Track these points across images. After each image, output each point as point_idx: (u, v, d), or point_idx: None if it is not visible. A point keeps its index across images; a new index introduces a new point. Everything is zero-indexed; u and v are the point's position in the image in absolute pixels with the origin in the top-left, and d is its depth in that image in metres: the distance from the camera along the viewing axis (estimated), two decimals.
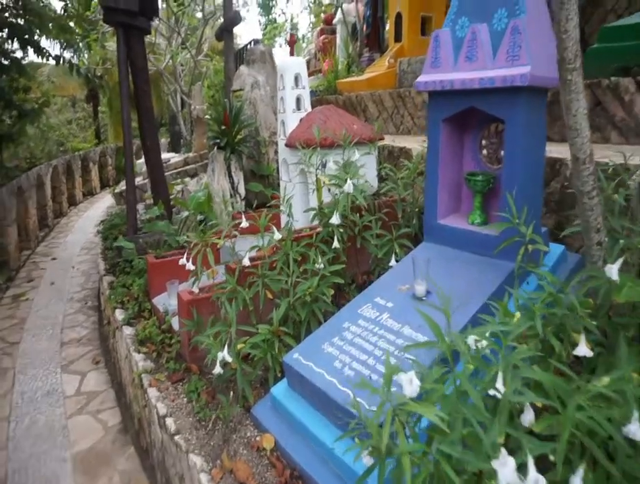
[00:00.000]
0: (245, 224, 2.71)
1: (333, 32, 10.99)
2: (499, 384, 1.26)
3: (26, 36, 6.27)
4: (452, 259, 2.54)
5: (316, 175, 2.90)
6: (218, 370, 2.14)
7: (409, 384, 1.22)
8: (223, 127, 3.96)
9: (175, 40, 10.63)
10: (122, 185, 10.03)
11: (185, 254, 2.67)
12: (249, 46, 6.82)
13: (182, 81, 11.15)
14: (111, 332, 3.86)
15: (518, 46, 2.24)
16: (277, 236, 2.64)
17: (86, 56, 11.76)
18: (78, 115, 17.18)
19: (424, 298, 2.28)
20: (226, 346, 2.13)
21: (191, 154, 9.24)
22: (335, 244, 2.79)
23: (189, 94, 10.75)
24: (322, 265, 2.63)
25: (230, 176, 4.04)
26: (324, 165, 3.46)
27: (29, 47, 6.42)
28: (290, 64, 3.68)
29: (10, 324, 4.79)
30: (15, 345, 4.31)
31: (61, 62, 6.70)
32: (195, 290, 2.76)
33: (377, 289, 2.51)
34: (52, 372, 3.83)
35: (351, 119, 3.76)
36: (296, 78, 3.70)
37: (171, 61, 10.74)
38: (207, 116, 4.58)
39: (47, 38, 7.56)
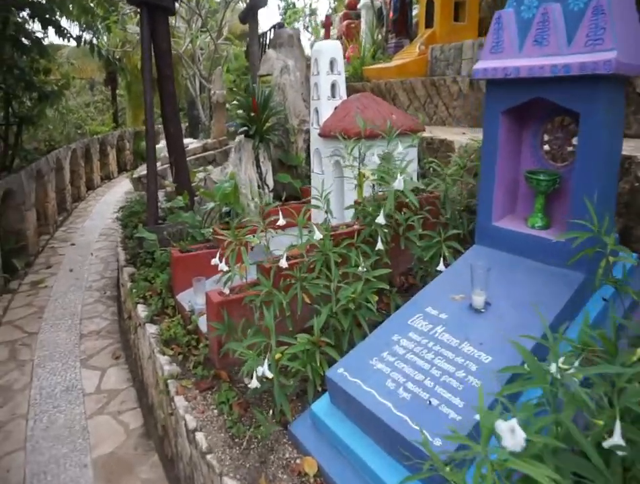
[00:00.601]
0: (282, 221, 2.50)
1: (358, 17, 10.61)
2: (617, 437, 1.04)
3: (47, 16, 6.07)
4: (511, 266, 2.30)
5: (359, 169, 2.67)
6: (254, 384, 1.95)
7: (511, 435, 1.01)
8: (252, 114, 3.74)
9: (195, 23, 10.36)
10: (141, 170, 9.89)
11: (218, 254, 2.46)
12: (270, 31, 6.54)
13: (201, 65, 10.91)
14: (132, 327, 3.71)
15: (601, 29, 1.97)
16: (318, 235, 2.43)
17: (105, 38, 11.56)
18: (97, 98, 17.05)
19: (482, 310, 2.05)
20: (266, 361, 1.93)
21: (210, 140, 9.03)
22: (379, 246, 2.56)
23: (208, 78, 10.52)
24: (365, 269, 2.41)
25: (258, 166, 3.82)
26: (363, 158, 3.22)
27: (49, 27, 6.23)
28: (325, 48, 3.43)
29: (28, 312, 4.67)
30: (33, 336, 4.19)
31: (82, 43, 6.50)
32: (226, 290, 2.57)
33: (427, 297, 2.29)
34: (71, 367, 3.70)
35: (389, 109, 3.50)
36: (332, 63, 3.45)
37: (190, 45, 10.49)
38: (234, 102, 4.35)
39: (67, 19, 7.36)
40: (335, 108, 3.48)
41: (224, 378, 2.45)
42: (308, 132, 4.41)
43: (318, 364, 2.09)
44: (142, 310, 3.33)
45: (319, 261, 2.49)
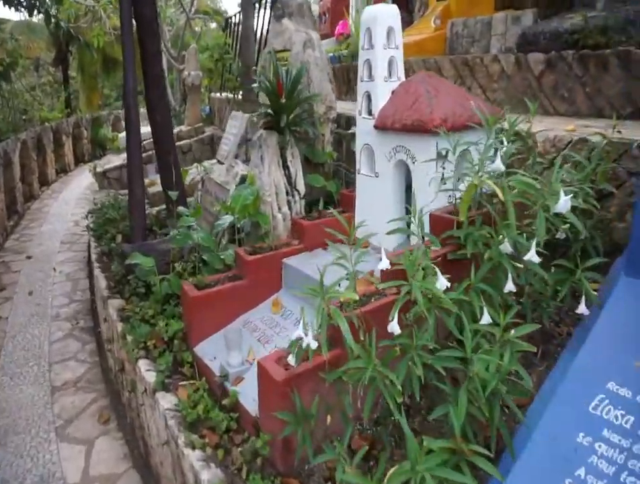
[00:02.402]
0: (385, 264, 1.68)
1: None
2: None
3: None
4: None
5: (475, 177, 1.87)
6: None
7: None
8: (277, 100, 2.84)
9: None
10: (105, 163, 8.67)
11: (302, 322, 1.62)
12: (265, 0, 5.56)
13: (168, 43, 9.69)
14: (128, 383, 2.80)
15: None
16: (442, 284, 1.62)
17: (53, 11, 10.06)
18: (43, 80, 15.23)
19: None
20: None
21: (184, 128, 7.96)
22: (510, 286, 1.80)
23: (177, 58, 9.34)
24: (489, 321, 1.65)
25: (285, 166, 2.96)
26: (444, 157, 2.44)
27: None
28: (380, 14, 2.58)
29: None
30: None
31: (35, 12, 5.29)
32: (293, 362, 1.73)
33: (594, 363, 1.59)
34: (43, 441, 2.76)
35: (462, 93, 2.72)
36: (389, 34, 2.62)
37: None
38: (255, 85, 3.43)
39: None
40: (393, 92, 2.66)
41: None
42: (335, 121, 3.57)
43: None
44: (146, 369, 2.44)
45: (430, 314, 1.69)
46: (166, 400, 2.22)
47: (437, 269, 1.65)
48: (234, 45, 6.91)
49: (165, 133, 3.60)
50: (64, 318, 4.19)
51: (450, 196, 2.57)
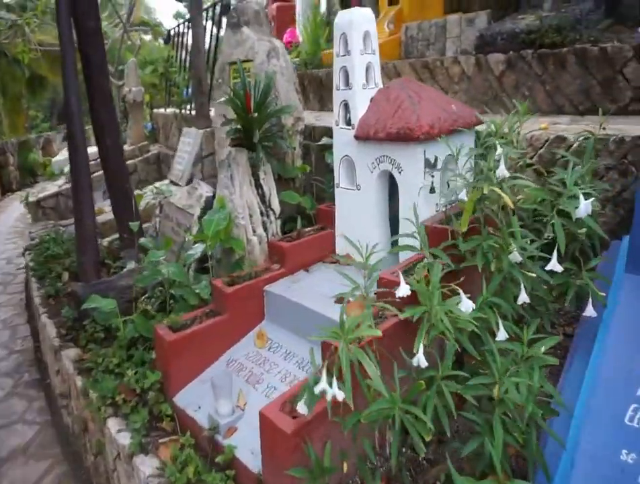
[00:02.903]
0: (405, 290, 1.48)
1: None
2: None
3: None
4: None
5: (485, 185, 1.71)
6: None
7: None
8: (246, 114, 2.59)
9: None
10: (39, 191, 7.94)
11: (324, 372, 1.37)
12: (215, 8, 5.26)
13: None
14: (94, 445, 2.41)
15: None
16: (467, 307, 1.44)
17: None
18: None
19: None
20: None
21: (127, 147, 7.45)
22: (524, 297, 1.67)
23: (114, 73, 8.80)
24: (506, 337, 1.50)
25: (257, 185, 2.70)
26: (431, 164, 2.29)
27: None
28: (356, 18, 2.42)
29: None
30: None
31: None
32: (303, 410, 1.49)
33: (617, 368, 1.51)
34: None
35: (443, 97, 2.61)
36: (365, 39, 2.46)
37: None
38: (221, 99, 3.15)
39: None
40: (371, 100, 2.49)
41: None
42: (302, 133, 3.37)
43: None
44: (118, 430, 2.08)
45: (451, 341, 1.50)
46: (147, 466, 1.89)
47: (460, 291, 1.47)
48: (178, 57, 6.55)
49: (115, 155, 3.23)
50: (5, 373, 3.66)
51: (437, 205, 2.43)
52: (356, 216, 2.61)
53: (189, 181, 4.61)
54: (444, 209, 2.43)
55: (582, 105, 3.58)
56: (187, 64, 6.23)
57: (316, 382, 1.45)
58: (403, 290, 1.47)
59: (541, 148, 2.81)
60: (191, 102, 5.97)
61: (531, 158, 2.82)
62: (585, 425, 1.44)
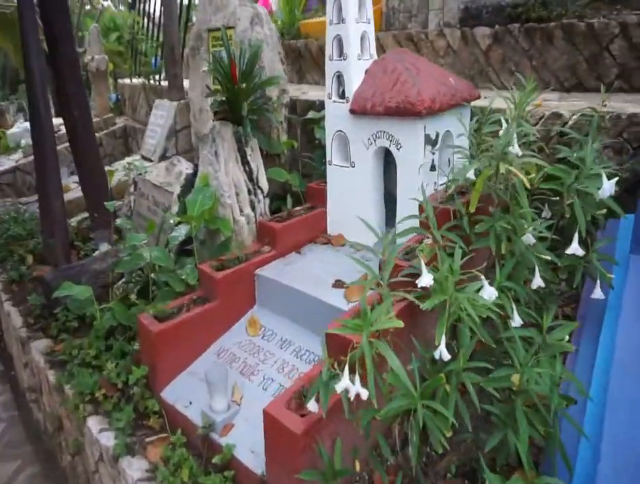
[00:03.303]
0: (428, 280, 1.36)
1: None
2: None
3: None
4: None
5: (502, 163, 1.60)
6: None
7: None
8: (231, 85, 2.37)
9: None
10: None
11: (346, 369, 1.25)
12: None
13: None
14: (70, 445, 2.23)
15: None
16: (427, 279, 1.34)
17: None
18: None
19: None
20: None
21: None
22: (539, 281, 1.60)
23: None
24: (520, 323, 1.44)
25: (244, 162, 2.52)
26: (432, 141, 2.17)
27: None
28: None
29: None
30: None
31: None
32: (314, 408, 1.37)
33: (627, 349, 1.48)
34: None
35: (442, 71, 2.47)
36: (360, 6, 2.28)
37: None
38: (204, 69, 2.90)
39: None
40: (366, 72, 2.33)
41: None
42: (287, 106, 3.17)
43: None
44: (100, 430, 1.92)
45: (473, 330, 1.41)
46: (135, 468, 1.75)
47: (482, 277, 1.37)
48: (146, 24, 6.11)
49: (84, 129, 2.95)
50: None
51: (435, 183, 2.33)
52: (350, 194, 2.47)
53: (163, 157, 4.34)
54: (442, 187, 2.34)
55: (568, 81, 3.53)
56: (156, 32, 5.82)
57: (330, 377, 1.34)
58: (426, 280, 1.35)
59: (536, 124, 2.73)
60: (160, 72, 5.61)
61: (525, 135, 2.75)
62: (606, 411, 1.40)
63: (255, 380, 1.96)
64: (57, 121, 5.25)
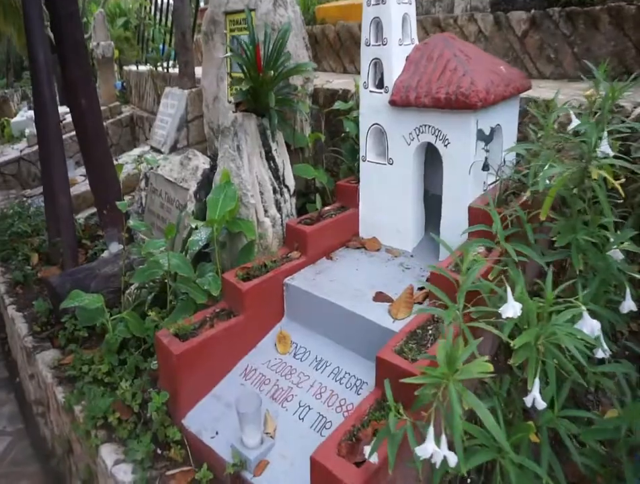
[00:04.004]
0: (516, 310, 1.13)
1: None
2: None
3: None
4: None
5: (593, 168, 1.35)
6: None
7: None
8: (256, 73, 2.12)
9: None
10: None
11: (430, 429, 1.02)
12: None
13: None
14: (81, 470, 2.03)
15: None
16: (514, 307, 1.11)
17: None
18: None
19: None
20: None
21: None
22: (630, 304, 1.36)
23: None
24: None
25: (269, 158, 2.28)
26: (485, 136, 1.93)
27: None
28: None
29: None
30: None
31: None
32: (375, 460, 1.15)
33: None
34: None
35: (491, 57, 2.22)
36: None
37: None
38: (227, 54, 2.65)
39: None
40: (407, 59, 2.08)
41: None
42: (312, 95, 2.92)
43: None
44: (115, 461, 1.72)
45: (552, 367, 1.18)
46: None
47: (583, 307, 1.13)
48: (154, 9, 5.82)
49: (92, 119, 2.71)
50: None
51: (484, 184, 2.09)
52: (386, 194, 2.24)
53: (173, 148, 4.11)
54: (490, 187, 2.10)
55: (614, 70, 3.25)
56: (164, 17, 5.54)
57: (395, 423, 1.11)
58: (513, 309, 1.12)
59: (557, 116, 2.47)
60: (169, 59, 5.34)
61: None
62: None
63: (290, 408, 1.74)
64: (62, 109, 5.01)
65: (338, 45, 4.81)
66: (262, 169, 2.25)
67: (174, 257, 1.93)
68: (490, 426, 0.95)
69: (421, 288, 1.94)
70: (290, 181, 2.36)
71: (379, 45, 2.07)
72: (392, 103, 2.05)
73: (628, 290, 1.36)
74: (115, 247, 2.91)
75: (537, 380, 1.06)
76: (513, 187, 2.02)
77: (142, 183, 3.04)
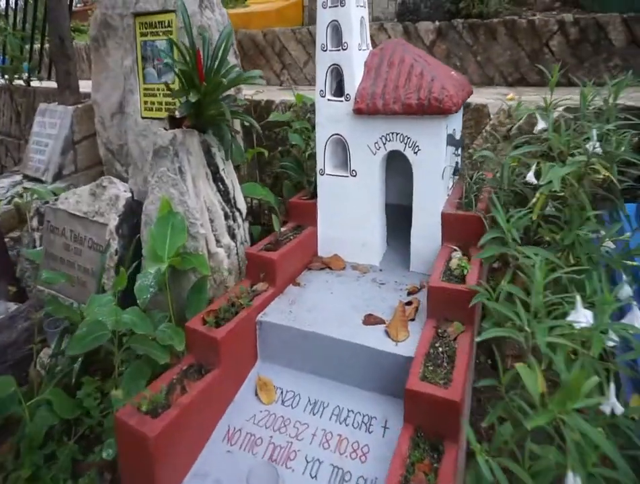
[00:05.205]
0: (588, 317, 1.02)
1: None
2: None
3: None
4: None
5: (599, 164, 1.33)
6: None
7: None
8: (197, 82, 1.78)
9: None
10: None
11: None
12: None
13: None
14: None
15: None
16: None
17: None
18: None
19: None
20: None
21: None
22: (628, 290, 1.37)
23: None
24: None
25: (217, 179, 1.96)
26: (457, 142, 1.88)
27: None
28: None
29: None
30: None
31: None
32: None
33: None
34: None
35: (441, 63, 2.19)
36: None
37: None
38: (165, 61, 2.19)
39: None
40: (365, 65, 1.94)
41: None
42: (243, 107, 2.64)
43: None
44: None
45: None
46: None
47: (578, 299, 1.06)
48: (11, 10, 4.91)
49: None
50: None
51: (447, 188, 2.05)
52: (350, 208, 2.08)
53: (58, 175, 3.46)
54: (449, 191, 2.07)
55: (511, 76, 3.56)
56: (20, 19, 4.71)
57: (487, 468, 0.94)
58: (584, 316, 1.01)
59: (521, 119, 2.62)
60: (33, 70, 4.55)
61: (509, 130, 2.63)
62: None
63: (296, 467, 1.46)
64: None
65: (241, 54, 4.56)
66: (210, 193, 1.92)
67: (127, 313, 1.51)
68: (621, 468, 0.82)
69: (408, 303, 1.81)
70: (242, 204, 2.06)
71: (338, 50, 1.90)
72: (358, 111, 1.89)
73: (624, 278, 1.37)
74: (3, 307, 2.30)
75: (612, 385, 0.97)
76: (475, 189, 2.01)
77: (35, 222, 2.45)
